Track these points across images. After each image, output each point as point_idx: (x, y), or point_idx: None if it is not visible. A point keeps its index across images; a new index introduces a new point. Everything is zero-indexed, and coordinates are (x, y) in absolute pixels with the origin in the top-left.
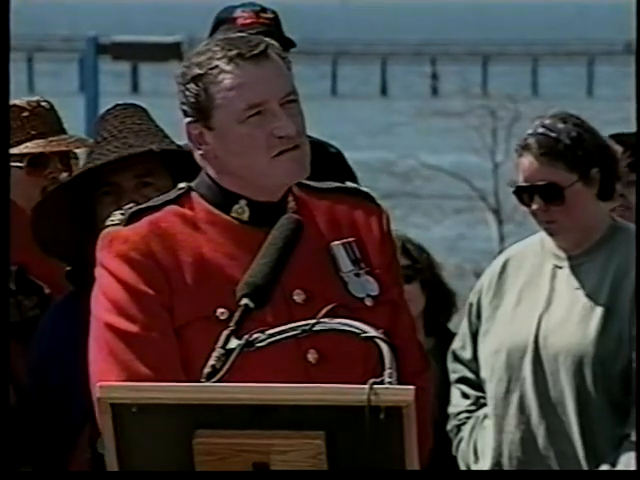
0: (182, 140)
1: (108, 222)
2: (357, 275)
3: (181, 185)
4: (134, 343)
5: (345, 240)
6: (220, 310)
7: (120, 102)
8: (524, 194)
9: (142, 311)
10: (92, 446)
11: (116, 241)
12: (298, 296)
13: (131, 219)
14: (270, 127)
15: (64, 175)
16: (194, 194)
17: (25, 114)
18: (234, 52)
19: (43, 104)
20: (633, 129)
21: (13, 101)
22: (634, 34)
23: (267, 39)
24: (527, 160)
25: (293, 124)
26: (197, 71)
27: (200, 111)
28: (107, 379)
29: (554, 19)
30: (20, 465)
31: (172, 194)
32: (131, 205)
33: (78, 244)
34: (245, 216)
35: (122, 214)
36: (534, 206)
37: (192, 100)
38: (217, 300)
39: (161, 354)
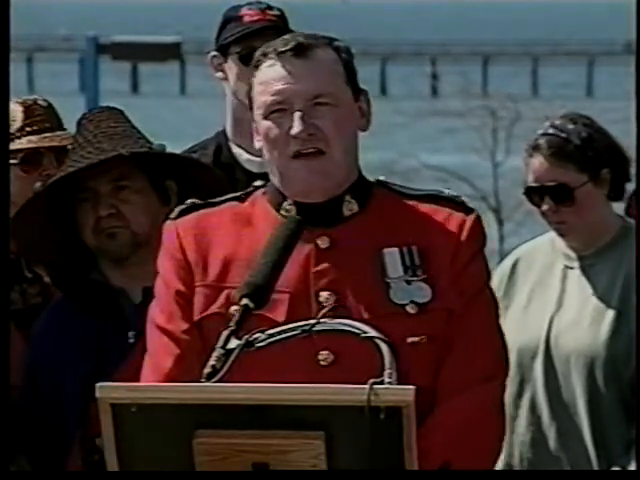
0: (181, 140)
1: (171, 215)
2: (408, 282)
3: (256, 183)
4: (161, 334)
5: (404, 245)
6: (234, 307)
7: (92, 107)
8: (534, 194)
9: (170, 303)
10: (83, 452)
11: (164, 234)
12: (326, 299)
13: (183, 213)
14: (288, 125)
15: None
16: (261, 190)
17: (21, 110)
18: (271, 48)
19: (40, 102)
20: (633, 129)
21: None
22: (634, 34)
23: (321, 37)
24: (537, 160)
25: (306, 125)
26: (253, 65)
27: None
28: (144, 370)
29: (554, 19)
30: (15, 455)
31: (245, 190)
32: (193, 200)
33: (61, 249)
34: (292, 215)
35: (181, 208)
36: (544, 207)
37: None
38: (233, 299)
39: (180, 347)
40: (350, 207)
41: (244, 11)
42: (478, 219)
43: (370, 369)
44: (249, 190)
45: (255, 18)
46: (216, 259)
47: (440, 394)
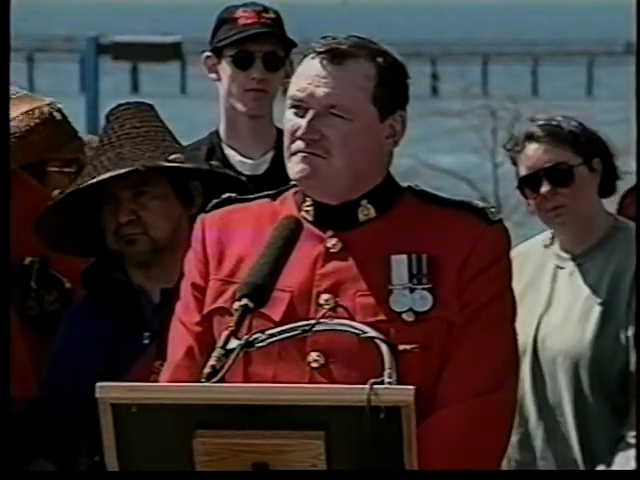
0: (182, 140)
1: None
2: (411, 290)
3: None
4: (178, 325)
5: (414, 253)
6: (238, 304)
7: (123, 102)
8: (530, 182)
9: (187, 295)
10: (86, 453)
11: (194, 226)
12: (325, 301)
13: (217, 206)
14: (299, 124)
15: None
16: (293, 190)
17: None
18: (317, 46)
19: (55, 114)
20: (633, 129)
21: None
22: (634, 34)
23: (369, 48)
24: (531, 148)
25: (312, 130)
26: (303, 53)
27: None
28: (167, 360)
29: (554, 19)
30: (34, 457)
31: (280, 188)
32: (229, 194)
33: (87, 248)
34: (310, 216)
35: (216, 201)
36: (543, 189)
37: None
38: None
39: (192, 338)
40: (366, 212)
41: (239, 13)
42: (499, 230)
43: (361, 372)
44: (283, 188)
45: (250, 21)
46: (232, 254)
47: (436, 406)
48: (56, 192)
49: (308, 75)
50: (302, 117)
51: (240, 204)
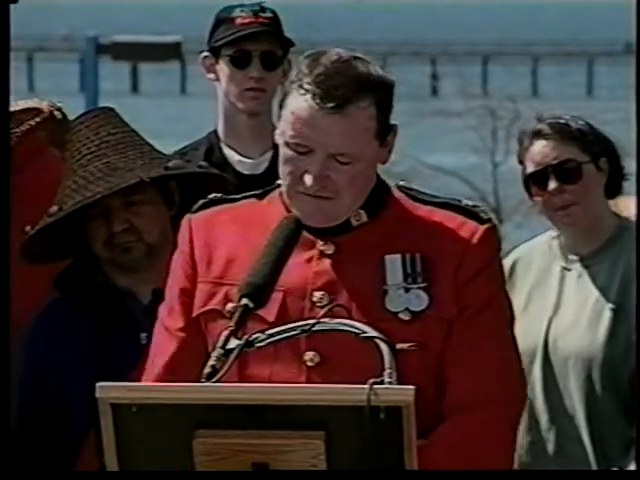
0: (182, 140)
1: (192, 208)
2: (406, 289)
3: (279, 181)
4: (162, 328)
5: (408, 252)
6: (231, 305)
7: (88, 109)
8: (537, 179)
9: (172, 298)
10: (99, 454)
11: (181, 227)
12: (319, 299)
13: (203, 207)
14: (304, 168)
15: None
16: (279, 190)
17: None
18: (313, 86)
19: (55, 113)
20: (633, 129)
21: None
22: (634, 34)
23: (369, 82)
24: (539, 145)
25: (319, 179)
26: (290, 78)
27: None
28: (147, 364)
29: (554, 19)
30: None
31: (266, 188)
32: (215, 195)
33: (65, 253)
34: (301, 219)
35: (202, 202)
36: (551, 185)
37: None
38: (230, 296)
39: (177, 342)
40: (358, 218)
41: (237, 13)
42: (491, 230)
43: (357, 370)
44: (269, 188)
45: (247, 21)
46: (220, 256)
47: (445, 412)
48: (54, 208)
49: (307, 120)
50: (304, 154)
51: (226, 204)
